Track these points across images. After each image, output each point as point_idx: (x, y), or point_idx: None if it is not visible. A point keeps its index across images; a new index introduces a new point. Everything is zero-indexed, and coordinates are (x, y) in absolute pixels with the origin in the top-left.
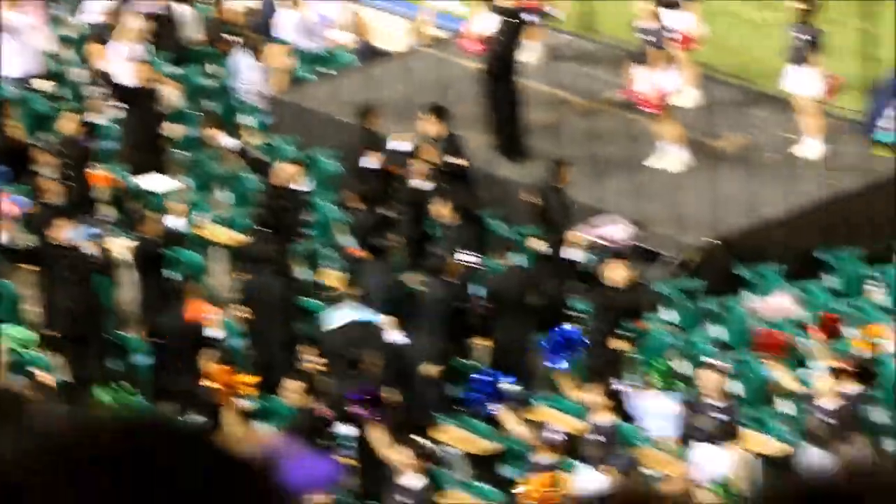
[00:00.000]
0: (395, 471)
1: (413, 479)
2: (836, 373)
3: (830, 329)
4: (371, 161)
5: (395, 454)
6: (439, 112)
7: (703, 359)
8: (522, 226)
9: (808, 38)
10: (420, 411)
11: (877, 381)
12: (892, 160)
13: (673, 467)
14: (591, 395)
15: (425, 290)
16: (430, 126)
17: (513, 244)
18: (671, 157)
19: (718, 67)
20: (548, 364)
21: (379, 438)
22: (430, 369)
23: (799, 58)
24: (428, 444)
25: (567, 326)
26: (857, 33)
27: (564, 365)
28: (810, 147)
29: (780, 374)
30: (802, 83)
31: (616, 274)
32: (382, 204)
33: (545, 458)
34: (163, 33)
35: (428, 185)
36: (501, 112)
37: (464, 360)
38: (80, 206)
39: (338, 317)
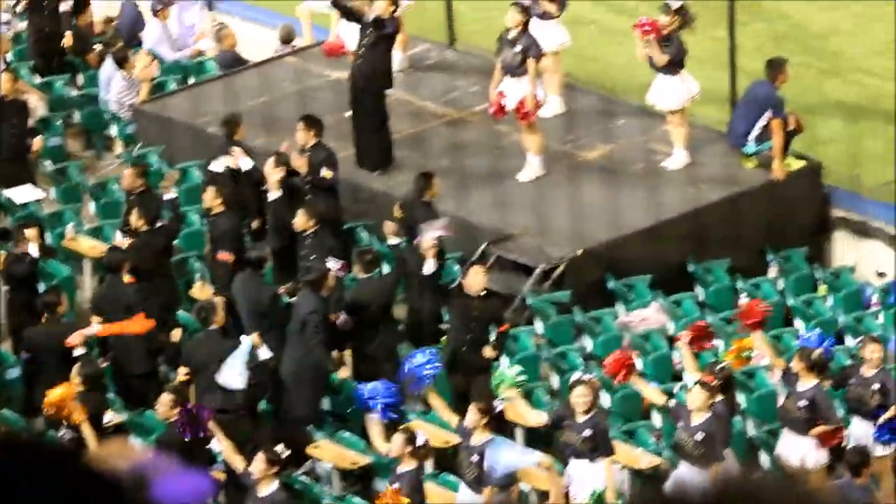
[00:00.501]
0: (250, 480)
1: (265, 487)
2: (707, 387)
3: (698, 339)
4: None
5: (240, 460)
6: (307, 121)
7: (574, 376)
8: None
9: (664, 47)
10: (293, 425)
11: (737, 394)
12: (759, 171)
13: (551, 482)
14: (468, 415)
15: (295, 301)
16: (299, 134)
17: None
18: (526, 168)
19: (579, 77)
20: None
21: (226, 447)
22: (341, 373)
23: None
24: (281, 450)
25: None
26: (718, 42)
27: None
28: (675, 157)
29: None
30: (666, 93)
31: (474, 280)
32: (250, 213)
33: (406, 466)
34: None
35: (276, 195)
36: (368, 123)
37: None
38: None
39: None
